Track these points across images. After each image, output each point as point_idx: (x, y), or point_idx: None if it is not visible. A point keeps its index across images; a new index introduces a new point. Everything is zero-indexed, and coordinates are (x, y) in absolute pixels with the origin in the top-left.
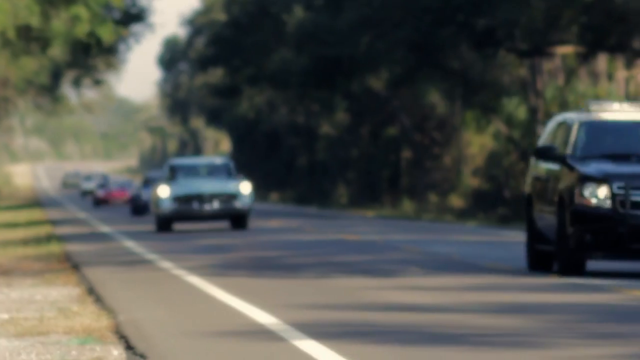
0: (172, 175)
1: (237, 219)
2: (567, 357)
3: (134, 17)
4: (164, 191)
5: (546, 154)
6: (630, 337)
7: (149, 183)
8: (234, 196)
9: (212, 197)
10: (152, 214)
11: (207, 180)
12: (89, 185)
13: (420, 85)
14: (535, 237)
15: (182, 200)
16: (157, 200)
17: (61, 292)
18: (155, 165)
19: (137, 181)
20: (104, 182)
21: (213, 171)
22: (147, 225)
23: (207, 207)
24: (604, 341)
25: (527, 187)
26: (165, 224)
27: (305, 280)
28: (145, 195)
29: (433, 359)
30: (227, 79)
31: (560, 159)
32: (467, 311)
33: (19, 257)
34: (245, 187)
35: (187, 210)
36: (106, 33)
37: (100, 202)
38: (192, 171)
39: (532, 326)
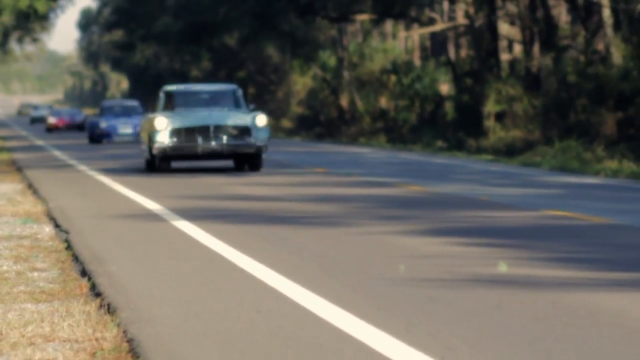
0: (170, 103)
1: (249, 158)
2: (364, 232)
3: None
4: (161, 123)
5: None
6: (408, 218)
7: (105, 112)
8: (246, 130)
9: (219, 130)
10: (141, 151)
11: (213, 111)
12: (38, 113)
13: (261, 42)
14: None
15: (183, 134)
16: (153, 133)
17: (9, 187)
18: (75, 98)
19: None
20: (53, 111)
21: (219, 100)
22: (79, 140)
23: (214, 143)
24: (390, 221)
25: None
26: (162, 162)
27: (181, 179)
28: (104, 123)
29: (269, 233)
30: (125, 38)
31: None
32: (294, 200)
33: None
34: (260, 120)
35: (189, 146)
36: (41, 6)
37: (52, 129)
38: (193, 99)
39: (340, 211)
